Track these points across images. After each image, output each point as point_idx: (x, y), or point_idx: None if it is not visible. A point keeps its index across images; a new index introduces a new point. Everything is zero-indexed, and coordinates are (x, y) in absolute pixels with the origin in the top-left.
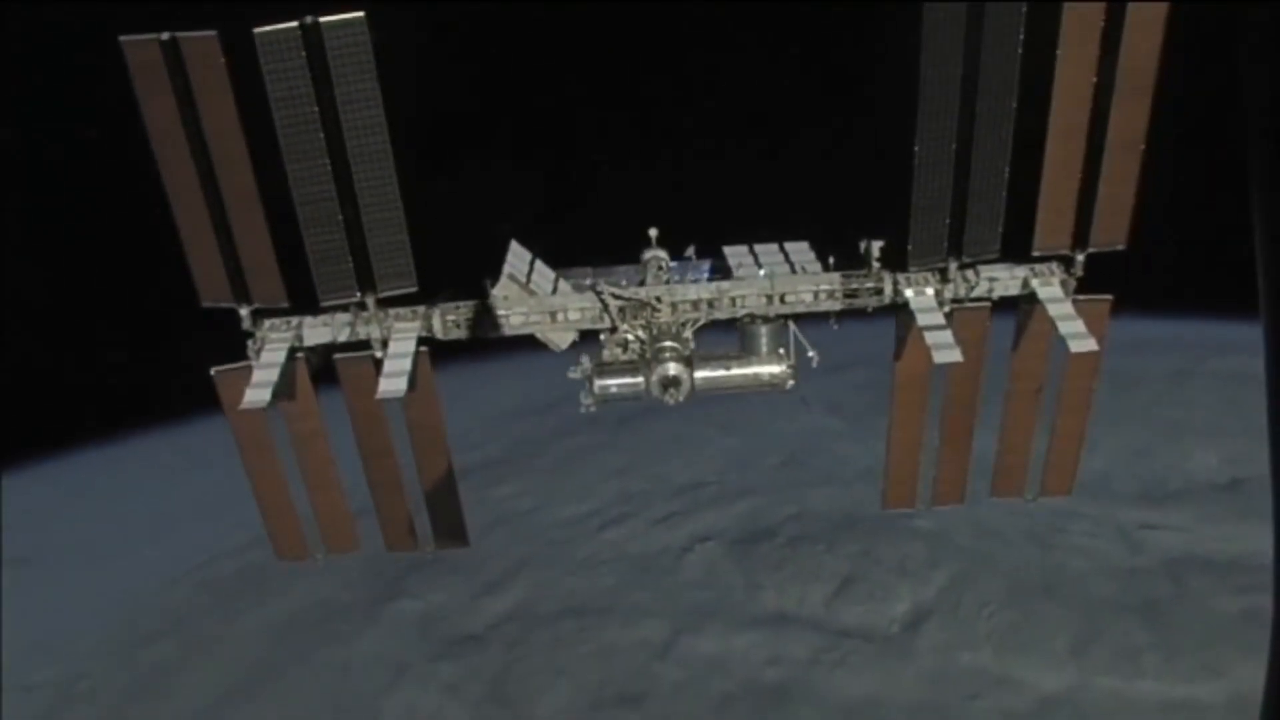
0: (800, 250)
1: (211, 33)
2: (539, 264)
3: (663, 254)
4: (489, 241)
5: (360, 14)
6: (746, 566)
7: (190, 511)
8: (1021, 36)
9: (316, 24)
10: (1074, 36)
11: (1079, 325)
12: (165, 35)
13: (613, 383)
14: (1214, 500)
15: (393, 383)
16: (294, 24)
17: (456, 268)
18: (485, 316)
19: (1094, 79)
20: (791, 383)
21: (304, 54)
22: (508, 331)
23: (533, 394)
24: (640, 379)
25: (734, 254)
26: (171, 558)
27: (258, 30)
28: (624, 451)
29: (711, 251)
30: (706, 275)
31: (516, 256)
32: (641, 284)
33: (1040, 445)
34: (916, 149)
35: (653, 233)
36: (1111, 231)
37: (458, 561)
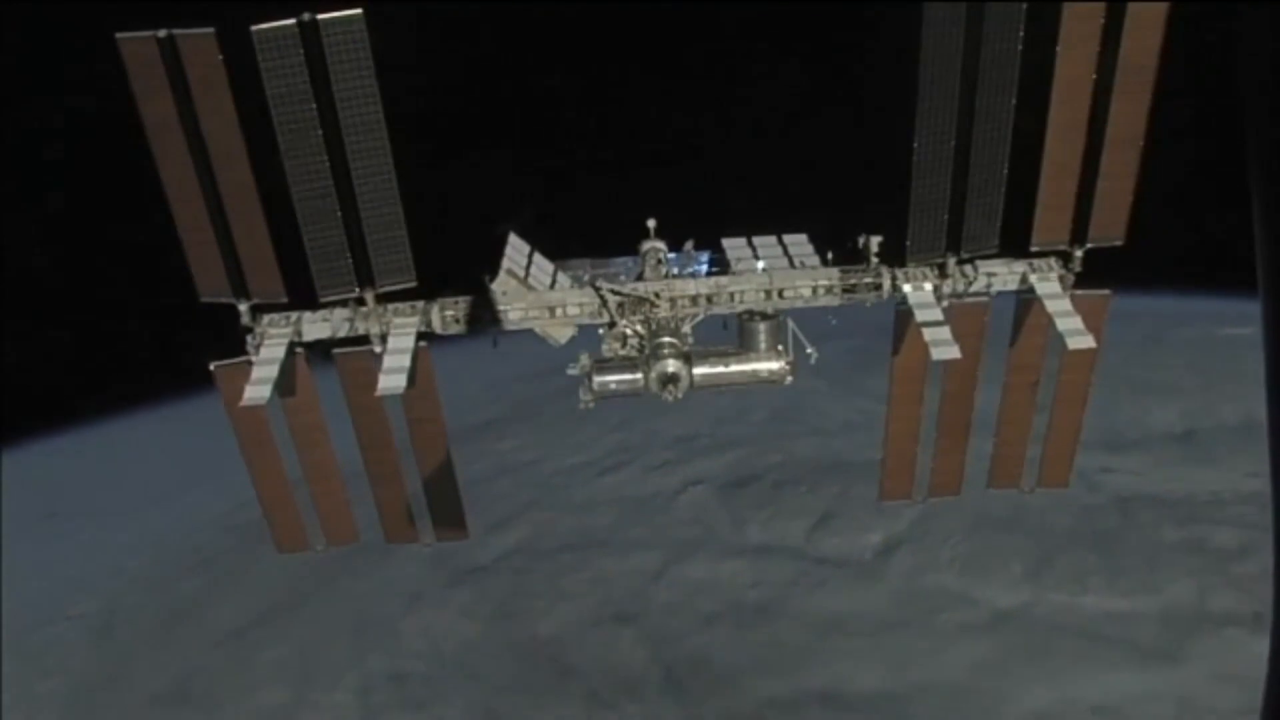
0: (799, 243)
1: (209, 30)
2: (537, 257)
3: (661, 245)
4: (488, 237)
5: (358, 11)
6: (733, 506)
7: (212, 470)
8: (1021, 33)
9: (314, 21)
10: (1074, 35)
11: (1076, 321)
12: (162, 32)
13: (611, 379)
14: (1168, 448)
15: (392, 379)
16: (292, 21)
17: (455, 263)
18: (484, 311)
19: (1093, 76)
20: (789, 379)
21: (302, 51)
22: (507, 327)
23: (534, 360)
24: (639, 375)
25: (732, 246)
26: (196, 509)
27: (255, 28)
28: (621, 409)
29: (710, 243)
30: (705, 266)
31: (515, 249)
32: (640, 275)
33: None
34: (916, 146)
35: (651, 224)
36: (1109, 226)
37: (467, 505)
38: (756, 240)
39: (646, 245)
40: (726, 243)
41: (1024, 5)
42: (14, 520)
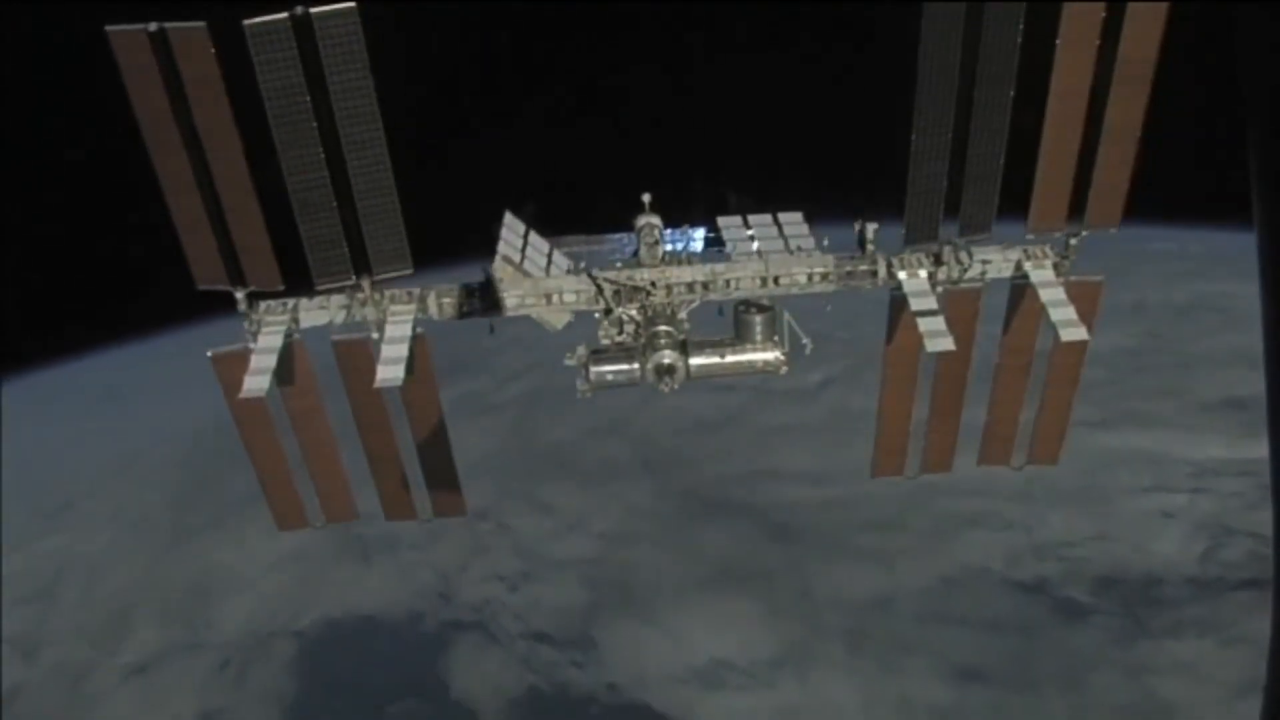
0: (794, 222)
1: (200, 24)
2: (533, 236)
3: (656, 220)
4: (485, 228)
5: (352, 4)
6: None
7: None
8: (1021, 27)
9: (308, 15)
10: (1074, 34)
11: (1070, 312)
12: (153, 26)
13: (608, 370)
14: None
15: (390, 370)
16: (284, 15)
17: (453, 253)
18: (481, 298)
19: (1092, 69)
20: (785, 369)
21: (295, 45)
22: (504, 314)
23: None
24: (635, 366)
25: (728, 224)
26: None
27: (248, 22)
28: None
29: (705, 221)
30: (700, 243)
31: (510, 230)
32: (635, 252)
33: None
34: (914, 136)
35: (646, 198)
36: (1105, 215)
37: (481, 365)
38: (752, 218)
39: (642, 221)
40: (722, 221)
41: (1023, 4)
42: (91, 405)
